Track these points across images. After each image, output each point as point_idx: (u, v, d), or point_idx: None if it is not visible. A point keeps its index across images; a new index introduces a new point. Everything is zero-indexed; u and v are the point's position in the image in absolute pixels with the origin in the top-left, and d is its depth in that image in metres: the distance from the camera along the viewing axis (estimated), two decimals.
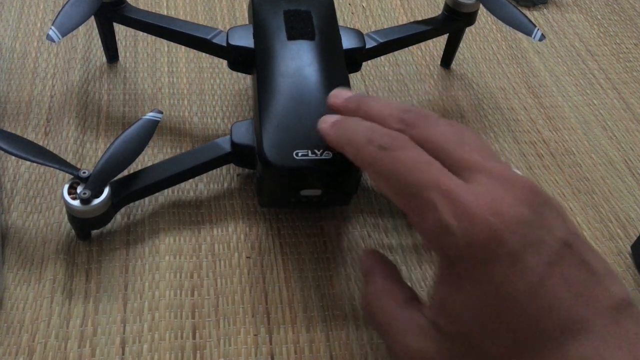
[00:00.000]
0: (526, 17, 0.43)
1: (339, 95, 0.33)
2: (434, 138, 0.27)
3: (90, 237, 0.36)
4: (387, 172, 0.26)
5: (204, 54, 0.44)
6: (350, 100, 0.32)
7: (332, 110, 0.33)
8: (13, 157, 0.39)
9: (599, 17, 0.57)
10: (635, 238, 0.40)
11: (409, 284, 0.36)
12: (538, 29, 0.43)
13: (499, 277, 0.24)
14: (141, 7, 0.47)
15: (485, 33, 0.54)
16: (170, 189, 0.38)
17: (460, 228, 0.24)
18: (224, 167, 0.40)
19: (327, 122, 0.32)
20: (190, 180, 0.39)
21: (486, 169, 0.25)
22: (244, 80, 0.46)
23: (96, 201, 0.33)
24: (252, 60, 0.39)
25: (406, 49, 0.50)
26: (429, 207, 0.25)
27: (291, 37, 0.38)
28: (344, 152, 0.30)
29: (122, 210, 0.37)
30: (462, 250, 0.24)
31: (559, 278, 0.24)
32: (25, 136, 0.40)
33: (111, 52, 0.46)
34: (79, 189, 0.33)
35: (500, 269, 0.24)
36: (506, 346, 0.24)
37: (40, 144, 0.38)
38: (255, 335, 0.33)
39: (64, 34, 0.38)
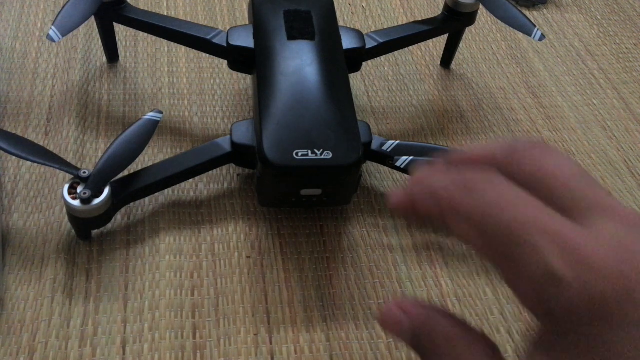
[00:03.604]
0: (526, 17, 0.43)
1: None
2: (547, 170, 0.22)
3: (91, 237, 0.36)
4: (473, 213, 0.21)
5: (204, 54, 0.44)
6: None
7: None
8: (14, 158, 0.39)
9: (598, 17, 0.57)
10: None
11: (408, 284, 0.36)
12: (538, 29, 0.43)
13: (629, 346, 0.18)
14: (141, 7, 0.47)
15: (485, 33, 0.54)
16: (170, 189, 0.38)
17: (575, 278, 0.18)
18: (224, 167, 0.40)
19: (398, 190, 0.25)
20: (191, 180, 0.39)
21: (611, 210, 0.20)
22: (244, 80, 0.46)
23: (96, 201, 0.33)
24: (252, 60, 0.39)
25: (406, 49, 0.50)
26: (530, 252, 0.19)
27: (291, 37, 0.38)
28: (425, 211, 0.23)
29: (122, 210, 0.37)
30: (575, 305, 0.18)
31: None
32: (25, 136, 0.40)
33: (111, 52, 0.46)
34: (79, 189, 0.33)
35: (632, 335, 0.18)
36: None
37: (41, 144, 0.38)
38: (255, 334, 0.33)
39: (64, 34, 0.38)
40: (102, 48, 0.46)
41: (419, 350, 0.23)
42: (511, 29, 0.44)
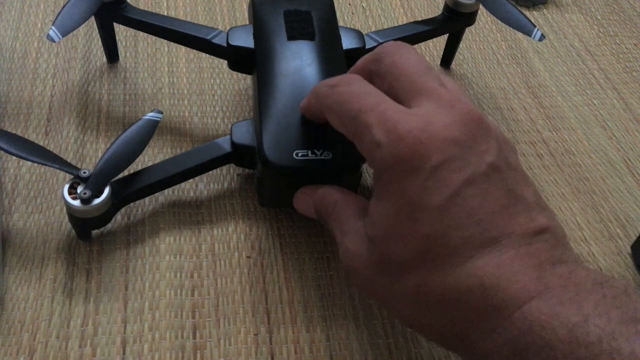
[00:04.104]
0: (526, 17, 0.43)
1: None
2: (397, 64, 0.29)
3: (91, 237, 0.36)
4: (333, 104, 0.29)
5: (204, 54, 0.44)
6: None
7: None
8: (14, 158, 0.39)
9: (598, 17, 0.57)
10: (635, 238, 0.40)
11: None
12: (538, 29, 0.43)
13: (415, 188, 0.25)
14: (141, 7, 0.47)
15: (485, 33, 0.54)
16: (170, 189, 0.38)
17: (388, 142, 0.26)
18: (224, 167, 0.40)
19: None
20: (190, 180, 0.39)
21: (435, 95, 0.27)
22: (244, 80, 0.46)
23: (96, 201, 0.33)
24: (252, 61, 0.39)
25: None
26: (365, 128, 0.27)
27: (291, 37, 0.38)
28: (311, 108, 0.32)
29: (122, 210, 0.37)
30: (388, 162, 0.26)
31: (476, 196, 0.25)
32: (25, 136, 0.40)
33: (111, 52, 0.46)
34: (80, 189, 0.33)
35: (418, 180, 0.25)
36: (413, 253, 0.25)
37: (41, 143, 0.38)
38: (255, 334, 0.33)
39: (64, 34, 0.38)
40: (102, 48, 0.46)
41: (321, 218, 0.32)
42: (511, 29, 0.44)
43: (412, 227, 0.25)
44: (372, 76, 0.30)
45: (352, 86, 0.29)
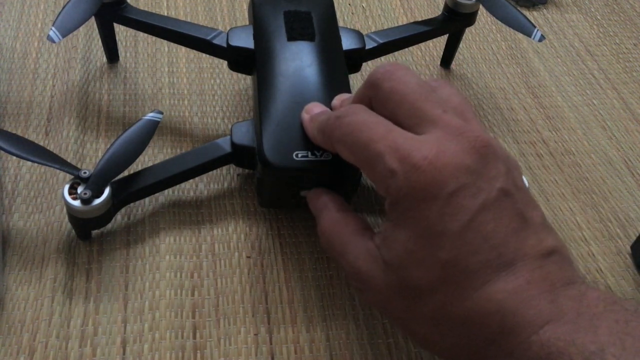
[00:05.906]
0: (526, 17, 0.43)
1: (338, 98, 0.35)
2: (397, 90, 0.29)
3: (91, 237, 0.36)
4: (342, 135, 0.29)
5: (204, 54, 0.44)
6: (345, 100, 0.34)
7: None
8: (14, 158, 0.39)
9: (598, 17, 0.57)
10: (634, 238, 0.40)
11: None
12: (538, 30, 0.43)
13: (433, 215, 0.26)
14: (141, 7, 0.47)
15: (485, 33, 0.54)
16: (170, 189, 0.38)
17: (402, 170, 0.26)
18: (224, 167, 0.40)
19: (308, 113, 0.34)
20: (190, 180, 0.39)
21: (443, 122, 0.27)
22: (244, 80, 0.46)
23: (97, 201, 0.33)
24: (252, 61, 0.39)
25: (406, 49, 0.50)
26: (377, 156, 0.27)
27: (291, 38, 0.38)
28: (319, 142, 0.32)
29: (123, 210, 0.37)
30: (403, 190, 0.26)
31: (490, 221, 0.26)
32: (26, 136, 0.40)
33: (111, 52, 0.46)
34: (80, 189, 0.33)
35: (435, 208, 0.26)
36: (433, 278, 0.26)
37: (41, 144, 0.38)
38: (255, 334, 0.33)
39: (64, 35, 0.38)
40: (102, 48, 0.46)
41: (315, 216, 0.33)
42: (511, 29, 0.44)
43: (432, 253, 0.26)
44: (372, 102, 0.30)
45: (358, 116, 0.29)
